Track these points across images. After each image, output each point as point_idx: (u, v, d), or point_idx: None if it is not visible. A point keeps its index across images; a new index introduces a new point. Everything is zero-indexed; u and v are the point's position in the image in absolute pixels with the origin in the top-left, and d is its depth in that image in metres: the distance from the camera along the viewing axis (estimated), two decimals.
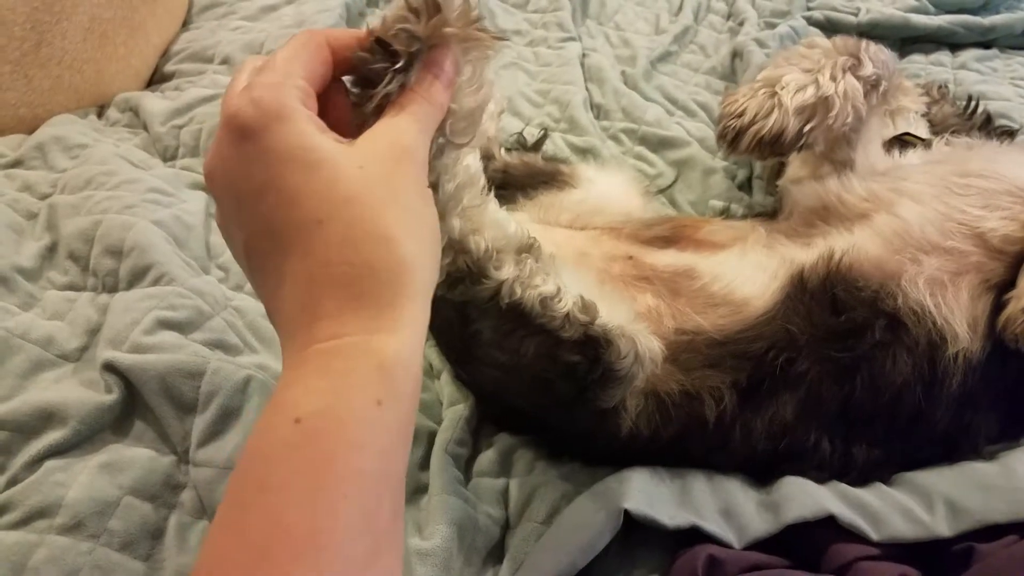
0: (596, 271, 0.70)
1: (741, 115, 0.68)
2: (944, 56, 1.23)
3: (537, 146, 0.98)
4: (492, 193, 0.52)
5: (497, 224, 0.51)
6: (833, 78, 0.68)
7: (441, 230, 0.45)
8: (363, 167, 0.34)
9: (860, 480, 0.61)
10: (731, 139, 0.69)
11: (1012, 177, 0.66)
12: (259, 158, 0.34)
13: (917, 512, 0.57)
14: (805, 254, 0.67)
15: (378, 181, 0.34)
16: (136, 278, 0.74)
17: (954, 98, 1.05)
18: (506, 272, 0.51)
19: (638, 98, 1.06)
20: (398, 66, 0.38)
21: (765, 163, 0.92)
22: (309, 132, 0.34)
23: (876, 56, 0.71)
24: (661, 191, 0.97)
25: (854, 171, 0.74)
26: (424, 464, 0.65)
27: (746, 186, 0.98)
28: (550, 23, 1.20)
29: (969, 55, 1.22)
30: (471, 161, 0.49)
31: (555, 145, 1.01)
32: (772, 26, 1.21)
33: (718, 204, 0.93)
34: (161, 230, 0.78)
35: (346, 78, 0.40)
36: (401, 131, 0.36)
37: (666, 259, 0.71)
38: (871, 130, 0.76)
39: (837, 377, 0.60)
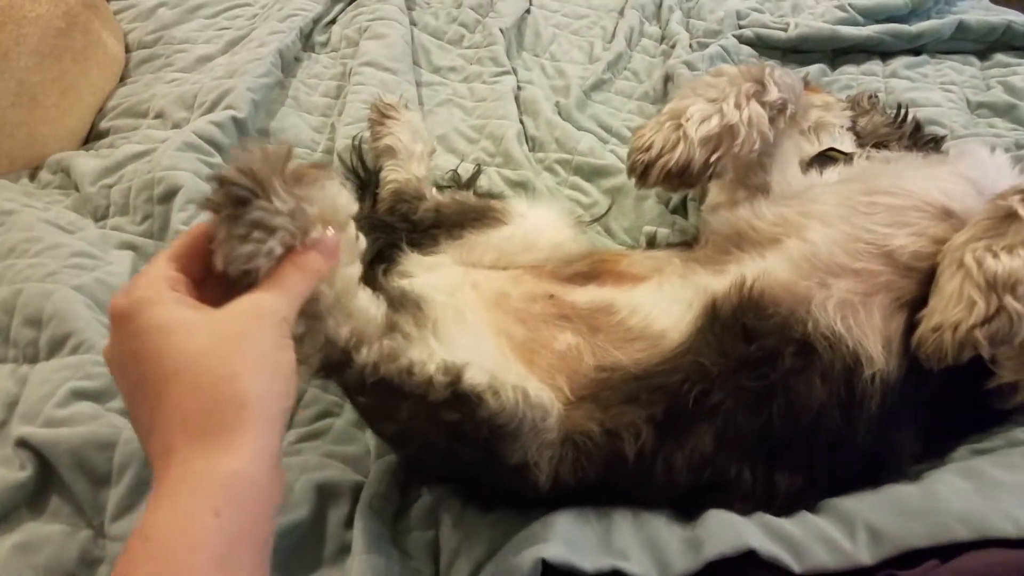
0: (513, 313, 0.70)
1: (649, 149, 0.69)
2: (875, 65, 1.24)
3: (471, 183, 0.98)
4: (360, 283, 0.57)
5: (361, 313, 0.56)
6: (738, 106, 0.69)
7: (319, 332, 0.53)
8: (216, 327, 0.42)
9: (785, 509, 0.61)
10: (640, 173, 0.69)
11: (919, 192, 0.67)
12: (132, 335, 0.42)
13: (839, 541, 0.57)
14: (718, 282, 0.67)
15: (229, 337, 0.42)
16: (55, 348, 0.74)
17: (884, 107, 1.06)
18: (364, 356, 0.54)
19: (571, 129, 1.07)
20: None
21: (676, 193, 0.93)
22: (171, 309, 0.42)
23: (781, 80, 0.72)
24: (596, 220, 0.97)
25: (769, 195, 0.74)
26: (349, 522, 0.64)
27: (680, 209, 0.98)
28: (484, 58, 1.21)
29: (899, 63, 1.24)
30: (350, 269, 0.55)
31: (490, 180, 1.01)
32: (705, 46, 1.23)
33: (652, 230, 0.94)
34: (82, 295, 0.77)
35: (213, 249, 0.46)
36: (260, 299, 0.44)
37: (586, 295, 0.71)
38: (785, 153, 0.77)
39: (752, 406, 0.60)
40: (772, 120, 0.70)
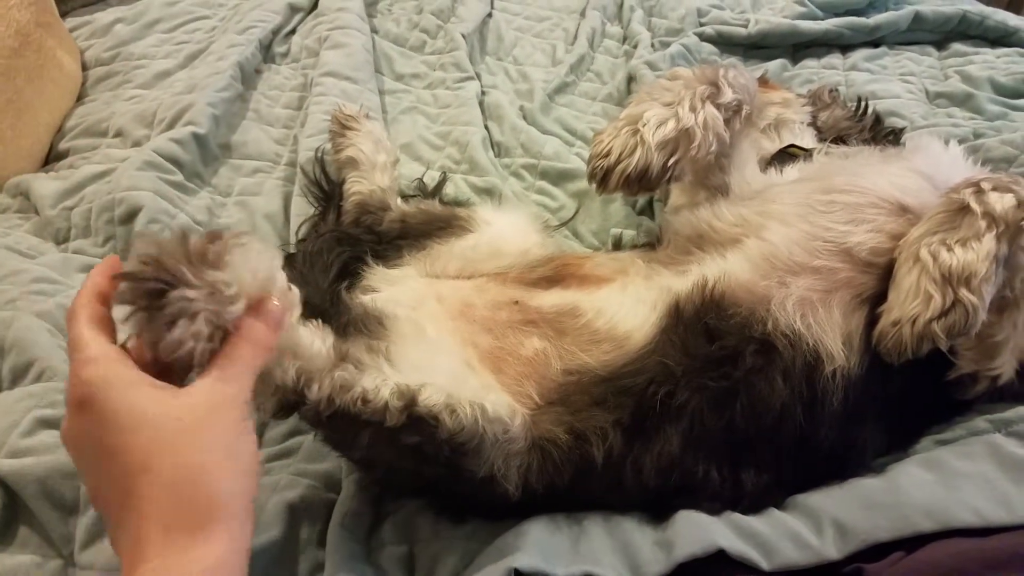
0: (479, 323, 0.70)
1: (607, 155, 0.69)
2: (835, 59, 1.26)
3: (436, 191, 0.98)
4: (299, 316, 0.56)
5: (307, 351, 0.56)
6: (693, 109, 0.69)
7: (268, 382, 0.55)
8: (181, 418, 0.43)
9: (752, 507, 0.61)
10: (600, 179, 0.70)
11: (876, 189, 0.68)
12: (95, 423, 0.42)
13: (806, 536, 0.58)
14: (681, 283, 0.67)
15: (193, 430, 0.43)
16: (18, 376, 0.72)
17: (845, 101, 1.08)
18: (315, 392, 0.55)
19: (536, 133, 1.07)
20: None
21: (636, 197, 0.93)
22: (131, 395, 0.43)
23: (735, 81, 0.72)
24: (563, 224, 0.98)
25: (728, 195, 0.75)
26: (322, 540, 0.64)
27: (647, 210, 0.99)
28: (447, 64, 1.21)
29: (859, 55, 1.25)
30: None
31: (457, 188, 1.01)
32: (667, 45, 1.23)
33: (618, 232, 0.94)
34: (44, 322, 0.76)
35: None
36: (216, 389, 0.45)
37: (551, 299, 0.72)
38: (743, 153, 0.77)
39: (716, 406, 0.61)
40: (727, 122, 0.71)
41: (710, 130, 0.69)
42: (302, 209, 0.94)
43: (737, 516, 0.61)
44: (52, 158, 1.11)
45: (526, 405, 0.65)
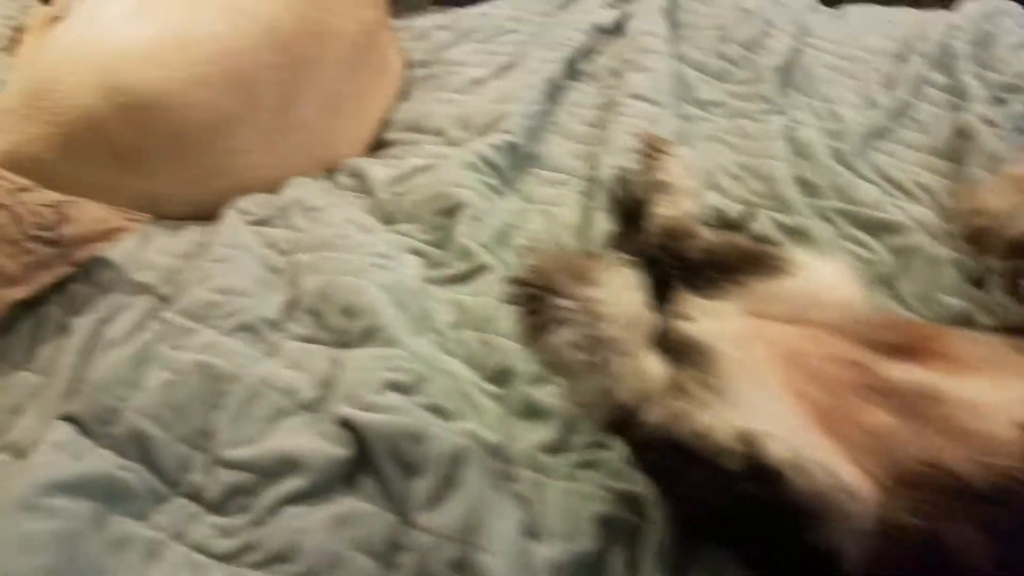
0: (811, 374, 0.66)
1: (985, 212, 0.62)
2: None
3: (742, 225, 0.95)
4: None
5: (647, 374, 0.59)
6: None
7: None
8: None
9: None
10: (973, 237, 0.63)
11: None
12: None
13: None
14: None
15: None
16: (366, 338, 0.81)
17: None
18: (650, 416, 0.57)
19: (852, 177, 1.01)
20: None
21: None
22: None
23: None
24: (882, 281, 0.90)
25: None
26: (630, 563, 0.64)
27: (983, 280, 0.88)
28: (751, 95, 1.18)
29: None
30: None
31: (760, 224, 0.98)
32: (1001, 101, 1.11)
33: (951, 301, 0.84)
34: (387, 294, 0.85)
35: None
36: None
37: (903, 373, 0.65)
38: None
39: None
40: None
41: None
42: (604, 225, 0.96)
43: None
44: (376, 146, 1.24)
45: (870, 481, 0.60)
